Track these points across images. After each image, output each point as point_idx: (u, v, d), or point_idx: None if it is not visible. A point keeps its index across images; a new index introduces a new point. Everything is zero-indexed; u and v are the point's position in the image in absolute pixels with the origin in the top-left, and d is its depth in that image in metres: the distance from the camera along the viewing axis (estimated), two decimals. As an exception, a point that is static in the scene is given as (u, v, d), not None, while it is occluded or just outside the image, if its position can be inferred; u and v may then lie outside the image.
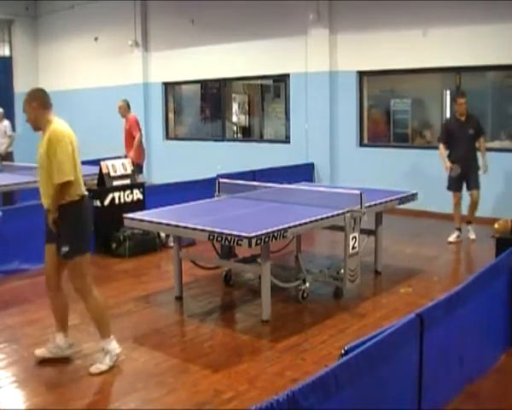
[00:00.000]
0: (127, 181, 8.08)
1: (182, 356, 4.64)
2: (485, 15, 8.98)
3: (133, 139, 9.88)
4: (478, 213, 8.91)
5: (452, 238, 8.09)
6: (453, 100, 8.34)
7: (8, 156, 11.84)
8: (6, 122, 12.08)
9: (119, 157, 9.10)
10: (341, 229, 5.69)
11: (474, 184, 7.92)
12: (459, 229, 8.10)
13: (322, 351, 4.64)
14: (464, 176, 7.89)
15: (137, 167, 9.51)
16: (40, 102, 4.30)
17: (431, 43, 9.61)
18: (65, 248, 4.23)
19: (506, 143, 9.62)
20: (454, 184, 7.98)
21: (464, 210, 8.14)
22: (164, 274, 7.03)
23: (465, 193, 8.07)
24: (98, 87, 14.60)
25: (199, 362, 4.46)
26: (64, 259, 4.27)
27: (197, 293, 6.15)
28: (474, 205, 8.03)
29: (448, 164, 7.89)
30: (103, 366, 4.28)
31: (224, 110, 13.32)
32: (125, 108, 10.13)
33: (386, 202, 6.44)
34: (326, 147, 10.99)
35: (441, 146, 8.02)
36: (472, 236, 8.06)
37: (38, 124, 4.32)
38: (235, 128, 14.38)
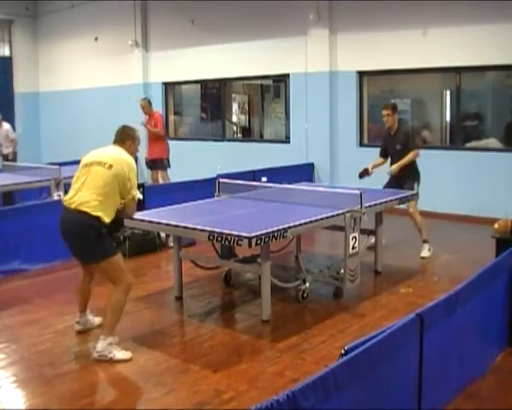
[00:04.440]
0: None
1: (182, 356, 4.64)
2: (484, 15, 8.98)
3: (160, 136, 10.37)
4: (477, 213, 8.92)
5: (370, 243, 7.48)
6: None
7: (12, 157, 11.85)
8: (7, 125, 11.98)
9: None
10: (341, 229, 5.69)
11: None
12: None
13: (322, 351, 4.64)
14: (400, 188, 7.24)
15: (167, 162, 10.39)
16: None
17: (431, 43, 9.61)
18: None
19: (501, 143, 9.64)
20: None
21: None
22: (164, 274, 7.03)
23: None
24: (98, 87, 14.60)
25: (199, 362, 4.46)
26: None
27: (197, 293, 6.15)
28: (413, 219, 7.39)
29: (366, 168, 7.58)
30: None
31: (223, 110, 13.32)
32: (148, 106, 10.56)
33: (386, 201, 6.45)
34: (326, 147, 10.99)
35: (379, 158, 7.73)
36: (422, 253, 7.39)
37: None
38: (235, 128, 14.38)
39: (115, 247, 4.67)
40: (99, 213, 4.40)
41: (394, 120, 7.49)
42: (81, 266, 4.89)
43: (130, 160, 4.64)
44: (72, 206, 4.45)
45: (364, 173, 7.64)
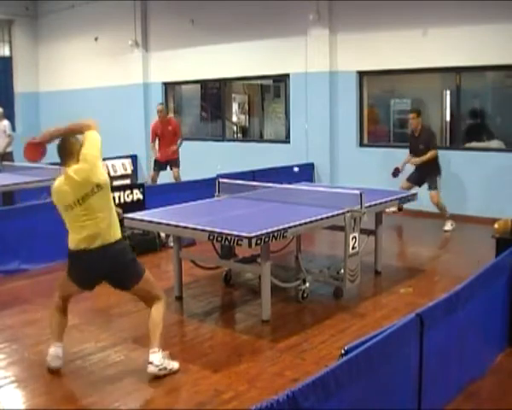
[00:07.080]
0: (127, 181, 8.07)
1: (182, 356, 4.63)
2: (485, 15, 8.97)
3: (176, 139, 10.91)
4: (477, 213, 8.93)
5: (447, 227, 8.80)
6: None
7: (7, 156, 11.84)
8: (5, 122, 12.08)
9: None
10: (341, 229, 5.69)
11: (429, 186, 8.63)
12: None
13: (322, 351, 4.64)
14: (421, 181, 8.70)
15: (175, 162, 10.97)
16: None
17: (431, 43, 9.61)
18: None
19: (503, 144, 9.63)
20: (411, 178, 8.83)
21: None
22: (164, 274, 7.02)
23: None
24: (98, 87, 14.59)
25: (199, 362, 4.47)
26: None
27: (197, 293, 6.15)
28: (438, 205, 8.67)
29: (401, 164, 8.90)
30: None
31: (223, 110, 13.31)
32: (165, 111, 11.27)
33: (386, 202, 6.45)
34: (326, 147, 10.99)
35: (408, 156, 8.93)
36: (445, 227, 8.65)
37: None
38: (235, 128, 14.38)
39: (143, 264, 4.45)
40: (118, 233, 4.23)
41: (418, 123, 8.76)
42: (68, 295, 4.47)
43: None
44: (96, 244, 4.14)
45: (396, 172, 8.88)
